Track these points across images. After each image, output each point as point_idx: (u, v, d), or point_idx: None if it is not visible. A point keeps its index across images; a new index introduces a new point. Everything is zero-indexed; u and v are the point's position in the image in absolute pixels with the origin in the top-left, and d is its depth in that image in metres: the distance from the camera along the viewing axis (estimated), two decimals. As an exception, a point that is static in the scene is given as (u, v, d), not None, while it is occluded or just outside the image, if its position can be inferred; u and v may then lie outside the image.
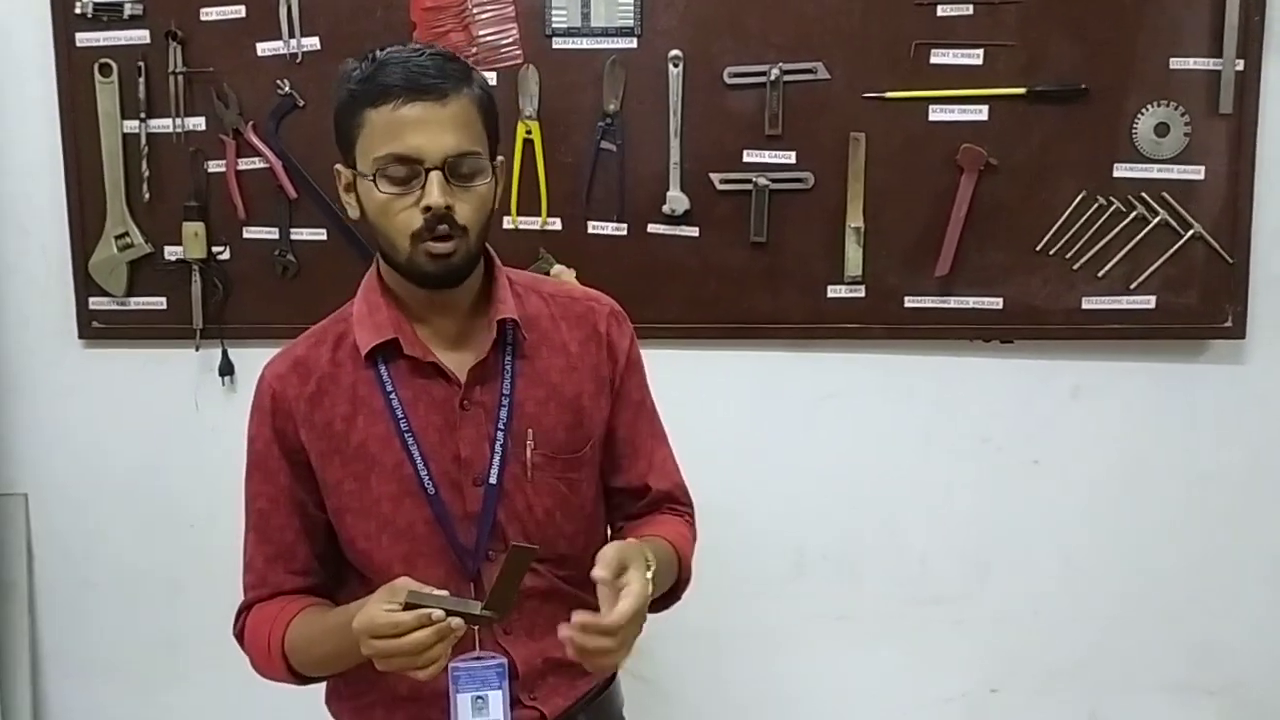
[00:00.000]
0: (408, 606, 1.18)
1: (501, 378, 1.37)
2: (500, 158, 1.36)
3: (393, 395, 1.35)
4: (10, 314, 2.28)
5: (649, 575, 1.24)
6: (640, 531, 1.45)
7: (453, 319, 1.38)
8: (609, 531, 1.54)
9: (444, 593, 1.23)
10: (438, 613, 1.17)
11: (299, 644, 1.36)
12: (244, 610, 1.44)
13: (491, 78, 2.08)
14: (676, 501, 1.53)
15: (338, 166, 1.36)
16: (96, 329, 2.24)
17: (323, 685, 1.48)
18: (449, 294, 1.36)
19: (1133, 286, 2.10)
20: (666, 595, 1.44)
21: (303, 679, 1.40)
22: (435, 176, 1.25)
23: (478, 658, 1.32)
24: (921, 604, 2.25)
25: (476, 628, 1.28)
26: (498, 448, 1.36)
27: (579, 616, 1.17)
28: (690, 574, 1.48)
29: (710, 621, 2.22)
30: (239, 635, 1.44)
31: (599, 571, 1.18)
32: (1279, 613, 2.21)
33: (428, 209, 1.25)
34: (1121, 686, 2.25)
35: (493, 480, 1.36)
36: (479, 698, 1.32)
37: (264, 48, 2.13)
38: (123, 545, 2.33)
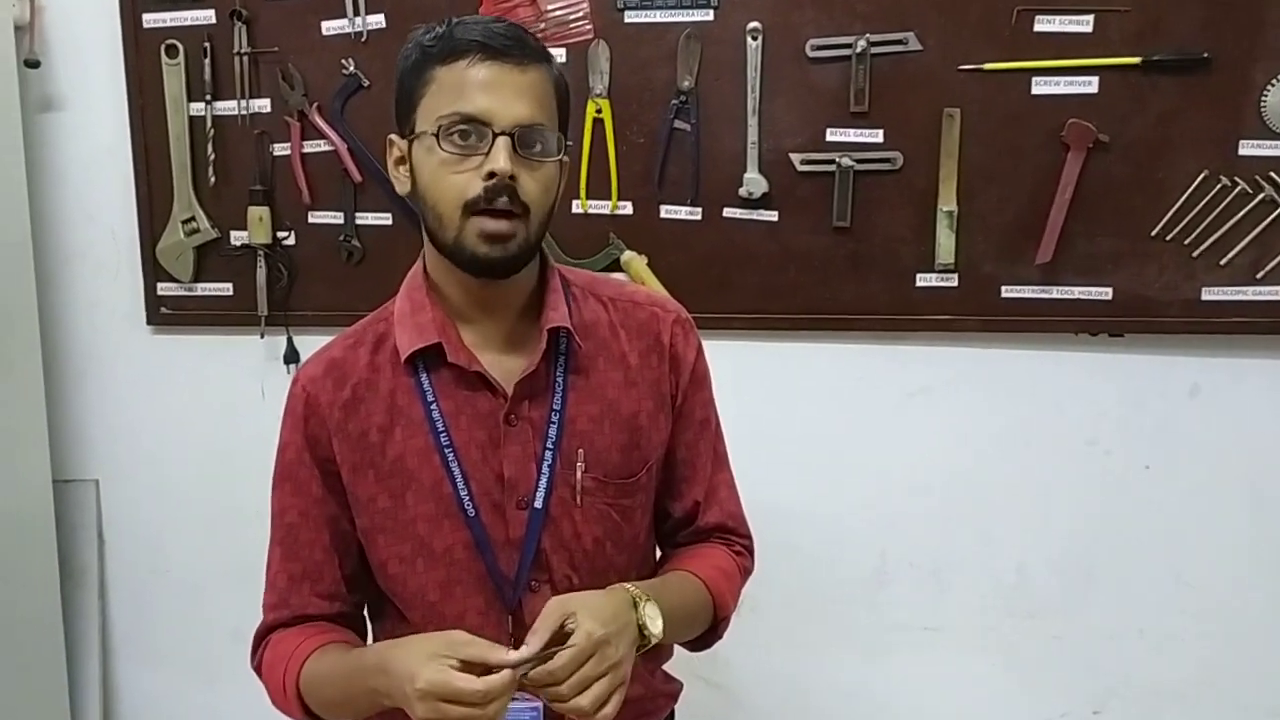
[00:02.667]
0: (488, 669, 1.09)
1: (552, 391, 1.27)
2: (567, 154, 1.26)
3: (433, 406, 1.26)
4: (79, 300, 2.30)
5: (644, 611, 1.16)
6: (673, 565, 1.35)
7: (502, 322, 1.28)
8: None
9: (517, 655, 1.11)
10: (512, 674, 1.08)
11: (314, 682, 1.25)
12: (263, 635, 1.35)
13: (560, 54, 2.02)
14: (730, 533, 1.41)
15: (391, 136, 1.27)
16: (164, 315, 2.26)
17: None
18: (499, 291, 1.26)
19: (1259, 276, 1.94)
20: (704, 635, 1.34)
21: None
22: (503, 142, 1.16)
23: (518, 697, 1.17)
24: (1017, 617, 2.12)
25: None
26: (545, 468, 1.26)
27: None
28: (729, 609, 1.36)
29: (787, 628, 2.18)
30: (257, 667, 1.35)
31: (517, 655, 1.09)
32: None
33: (490, 175, 1.16)
34: (1235, 711, 2.10)
35: (538, 504, 1.26)
36: None
37: (329, 26, 2.10)
38: (190, 533, 2.35)
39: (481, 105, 1.16)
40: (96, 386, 2.32)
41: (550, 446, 1.26)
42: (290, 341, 2.20)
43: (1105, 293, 1.98)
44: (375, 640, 1.37)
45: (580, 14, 2.02)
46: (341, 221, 2.15)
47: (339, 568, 1.32)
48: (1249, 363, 1.99)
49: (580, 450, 1.27)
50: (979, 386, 2.07)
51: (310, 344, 2.15)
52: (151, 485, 2.34)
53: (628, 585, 1.21)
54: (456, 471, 1.25)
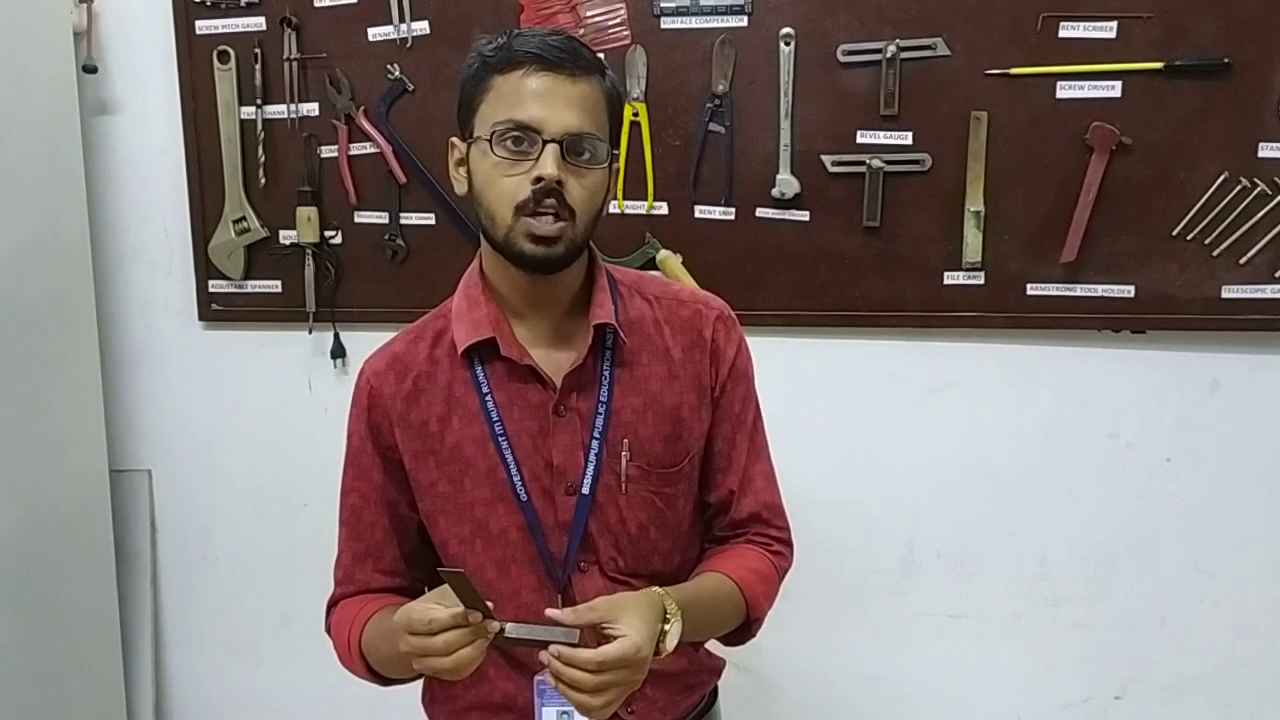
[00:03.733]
0: (501, 642, 1.15)
1: (599, 384, 1.34)
2: (616, 158, 1.32)
3: (488, 397, 1.33)
4: (133, 297, 2.37)
5: (666, 628, 1.21)
6: (706, 567, 1.40)
7: (551, 317, 1.35)
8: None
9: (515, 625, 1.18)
10: (474, 614, 1.13)
11: (372, 643, 1.34)
12: (331, 605, 1.45)
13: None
14: (766, 524, 1.45)
15: (453, 139, 1.33)
16: (215, 311, 2.32)
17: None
18: (548, 288, 1.33)
19: (1277, 275, 1.97)
20: (736, 631, 1.40)
21: (382, 679, 1.37)
22: (551, 149, 1.22)
23: (550, 700, 1.25)
24: (1041, 605, 2.17)
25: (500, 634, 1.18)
26: (592, 457, 1.32)
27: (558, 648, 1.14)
28: (763, 611, 1.41)
29: (818, 616, 2.21)
30: (327, 629, 1.45)
31: (560, 614, 1.16)
32: None
33: (538, 180, 1.22)
34: (1255, 699, 2.14)
35: (585, 490, 1.33)
36: (564, 713, 1.29)
37: (375, 33, 2.15)
38: (240, 521, 2.41)
39: (533, 113, 1.23)
40: (150, 380, 2.39)
41: (597, 436, 1.33)
42: (337, 337, 2.26)
43: (1128, 290, 2.02)
44: None
45: (618, 20, 2.08)
46: (386, 221, 2.20)
47: (398, 547, 1.41)
48: (1267, 358, 2.04)
49: (625, 440, 1.34)
50: (1005, 382, 2.11)
51: (356, 339, 2.24)
52: (202, 475, 2.40)
53: (666, 596, 1.25)
54: (510, 459, 1.32)
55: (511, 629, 1.15)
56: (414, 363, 1.36)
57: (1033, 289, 2.05)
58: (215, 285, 2.30)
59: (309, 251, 2.22)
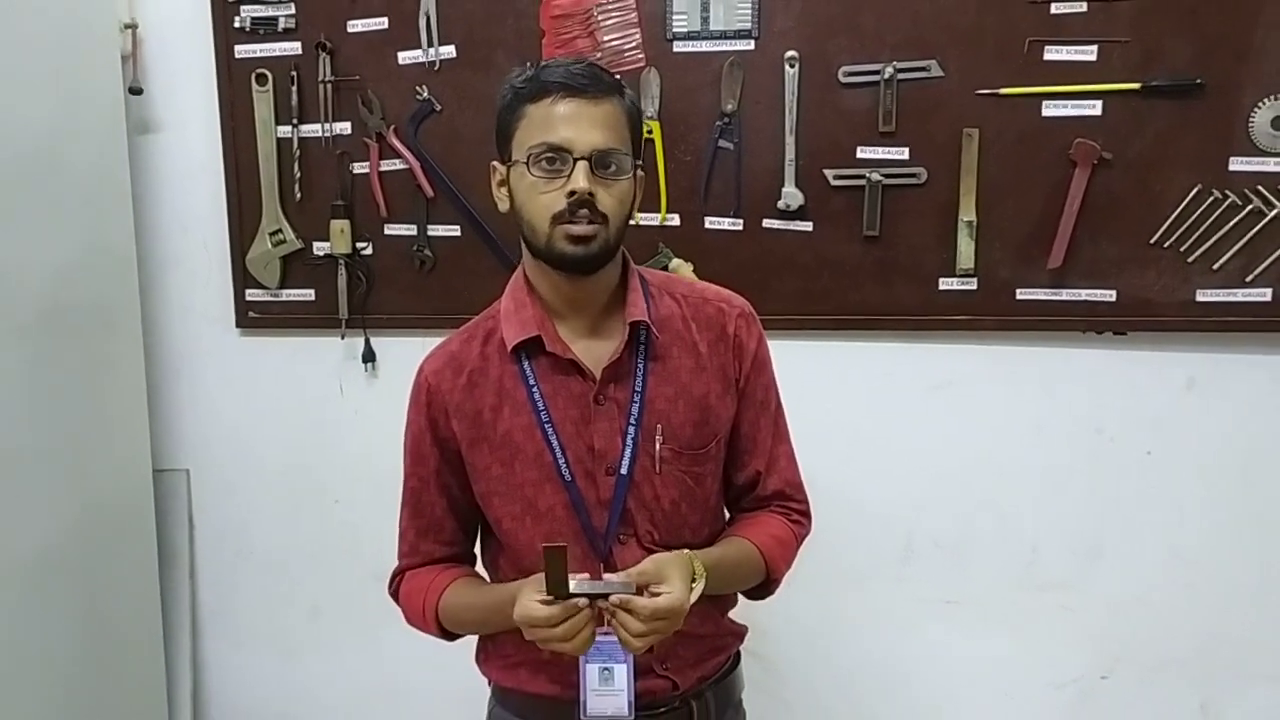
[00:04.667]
0: (556, 595, 1.31)
1: (634, 375, 1.48)
2: (641, 167, 1.47)
3: (535, 389, 1.47)
4: (174, 305, 2.49)
5: (694, 585, 1.36)
6: (731, 532, 1.56)
7: (589, 316, 1.49)
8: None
9: (584, 577, 1.35)
10: (582, 601, 1.31)
11: (452, 610, 1.53)
12: (399, 574, 1.61)
13: (615, 81, 2.20)
14: (788, 499, 1.61)
15: (494, 163, 1.49)
16: (252, 319, 2.43)
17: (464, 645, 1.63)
18: (586, 289, 1.47)
19: (1248, 279, 2.09)
20: (758, 588, 1.58)
21: (451, 636, 1.57)
22: (581, 165, 1.37)
23: (606, 633, 1.38)
24: (1031, 590, 2.28)
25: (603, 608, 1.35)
26: (629, 441, 1.47)
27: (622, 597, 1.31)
28: (782, 572, 1.58)
29: (823, 603, 2.32)
30: (394, 594, 1.61)
31: (617, 576, 1.34)
32: (1399, 607, 2.19)
33: (572, 193, 1.37)
34: (1233, 677, 2.25)
35: (623, 471, 1.47)
36: (605, 669, 1.44)
37: (404, 56, 2.28)
38: (273, 519, 2.52)
39: (563, 135, 1.38)
40: (189, 384, 2.50)
41: (633, 423, 1.47)
42: (368, 342, 2.38)
43: (1110, 295, 2.14)
44: (492, 577, 1.61)
45: (634, 44, 2.21)
46: (415, 233, 2.33)
47: (455, 522, 1.58)
48: (1240, 358, 2.15)
49: (658, 426, 1.48)
50: (996, 380, 2.23)
51: (386, 345, 2.36)
52: (238, 474, 2.51)
53: (697, 559, 1.41)
54: (555, 444, 1.46)
55: (578, 585, 1.31)
56: (468, 360, 1.51)
57: (1021, 294, 2.17)
58: (252, 294, 2.42)
59: (341, 262, 2.34)
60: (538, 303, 1.49)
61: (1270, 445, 2.18)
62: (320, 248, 2.37)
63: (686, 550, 1.42)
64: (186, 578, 2.54)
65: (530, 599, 1.33)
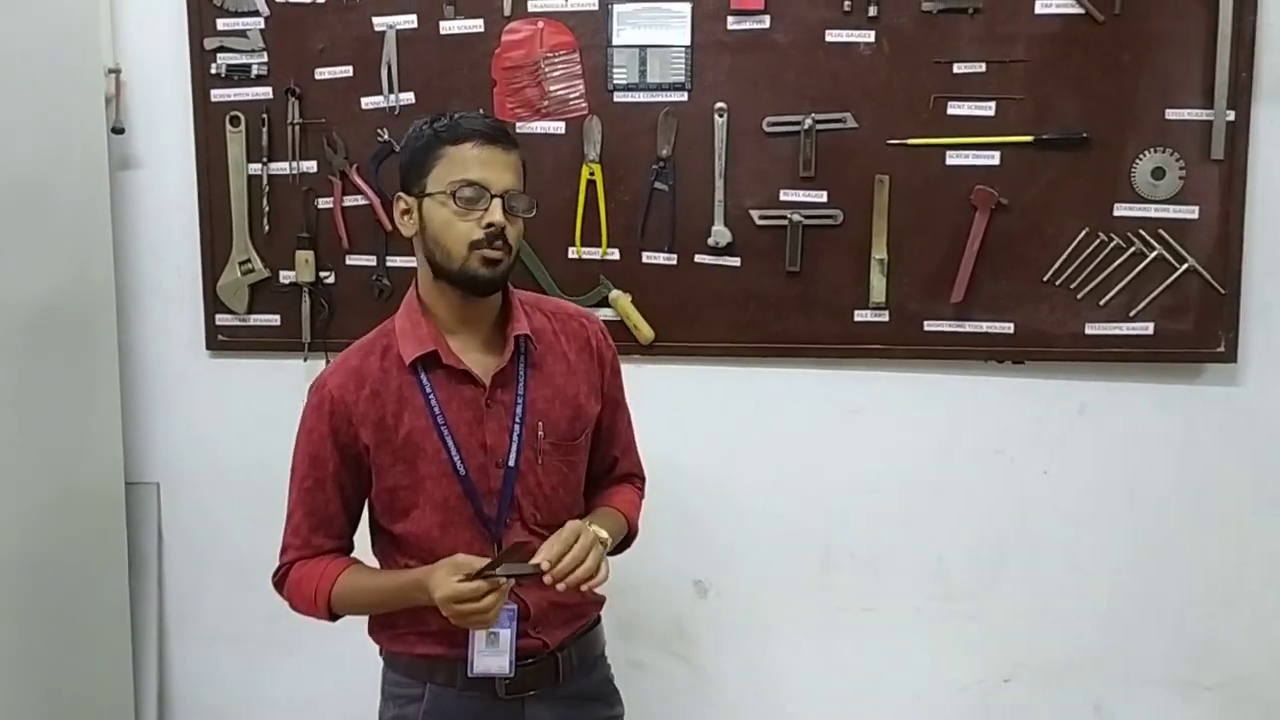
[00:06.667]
0: (474, 575, 1.52)
1: (518, 381, 1.70)
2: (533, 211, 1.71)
3: (431, 396, 1.67)
4: (149, 328, 2.63)
5: (592, 529, 1.62)
6: (600, 502, 1.84)
7: (479, 332, 1.71)
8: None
9: (485, 561, 1.55)
10: (508, 582, 1.53)
11: (345, 594, 1.71)
12: (286, 565, 1.78)
13: (560, 126, 2.39)
14: (635, 475, 1.92)
15: (400, 194, 1.69)
16: (221, 341, 2.58)
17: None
18: (479, 309, 1.69)
19: (1132, 314, 2.28)
20: (620, 546, 1.83)
21: (335, 617, 1.75)
22: (498, 202, 1.61)
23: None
24: (939, 599, 2.44)
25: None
26: (515, 438, 1.69)
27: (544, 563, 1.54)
28: (637, 529, 1.86)
29: (747, 611, 2.48)
30: (278, 583, 1.79)
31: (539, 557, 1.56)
32: (1273, 613, 2.36)
33: (490, 225, 1.59)
34: (1125, 680, 2.41)
35: (511, 463, 1.69)
36: (492, 634, 1.66)
37: (367, 102, 2.45)
38: (238, 530, 2.64)
39: (482, 175, 1.61)
40: (162, 402, 2.63)
41: (518, 421, 1.69)
42: (329, 364, 2.53)
43: (1008, 327, 2.32)
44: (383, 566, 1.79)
45: (577, 94, 2.39)
46: (374, 263, 2.48)
47: (345, 519, 1.77)
48: (1126, 385, 2.33)
49: (540, 423, 1.70)
50: (906, 405, 2.39)
51: (347, 367, 2.52)
52: (206, 488, 2.64)
53: (596, 528, 1.65)
54: (450, 443, 1.67)
55: (505, 569, 1.54)
56: (369, 373, 1.71)
57: (929, 325, 2.34)
58: (222, 318, 2.56)
59: (305, 290, 2.50)
60: (432, 321, 1.70)
61: (1154, 465, 2.36)
62: (286, 276, 2.51)
63: (583, 522, 1.64)
64: (155, 584, 2.66)
65: (450, 581, 1.52)
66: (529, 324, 1.73)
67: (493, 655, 1.66)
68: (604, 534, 1.65)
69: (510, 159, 1.64)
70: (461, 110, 1.70)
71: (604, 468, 1.87)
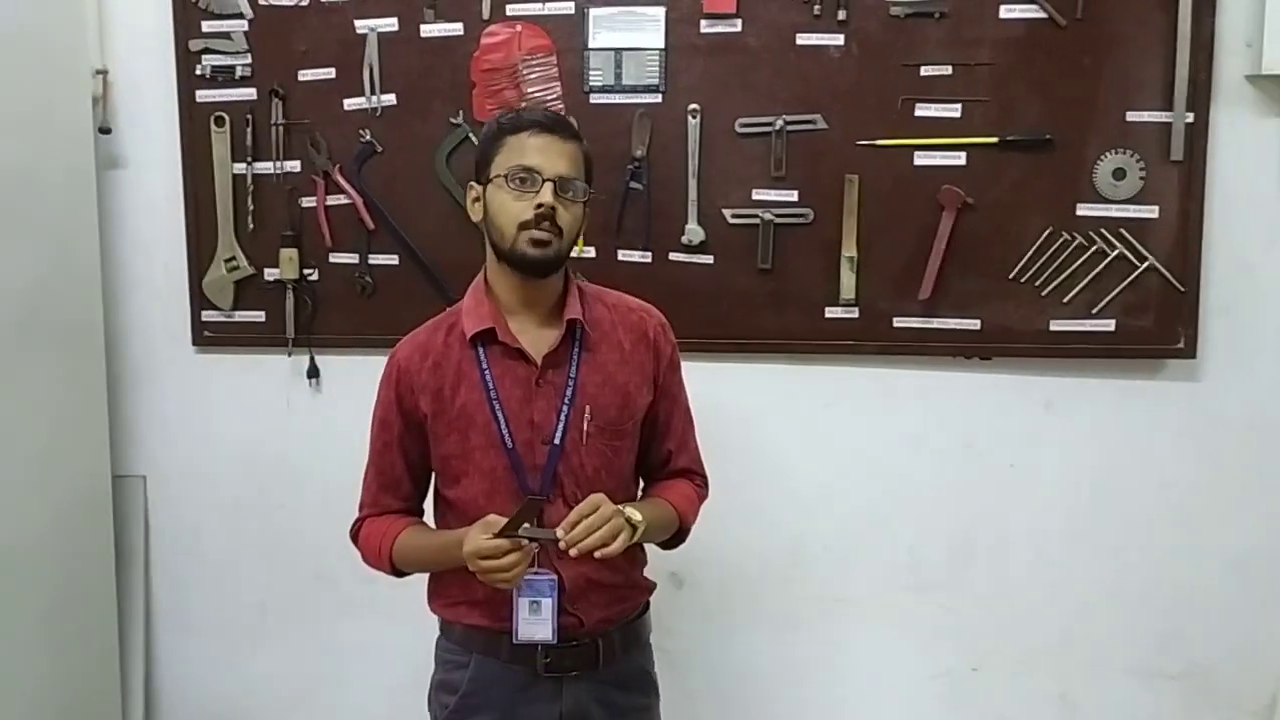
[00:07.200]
0: (506, 534, 1.61)
1: (570, 364, 1.78)
2: (589, 203, 1.80)
3: (486, 371, 1.77)
4: (136, 323, 2.68)
5: (628, 513, 1.70)
6: (650, 494, 1.90)
7: (536, 315, 1.79)
8: (640, 489, 1.94)
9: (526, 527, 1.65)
10: (530, 544, 1.63)
11: (403, 551, 1.82)
12: (360, 521, 1.90)
13: (538, 128, 2.44)
14: (693, 472, 1.95)
15: (471, 183, 1.80)
16: (207, 337, 2.63)
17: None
18: (537, 291, 1.77)
19: (1094, 311, 2.33)
20: (672, 539, 1.88)
21: (400, 573, 1.86)
22: (548, 185, 1.71)
23: (536, 573, 1.73)
24: (909, 590, 2.50)
25: (537, 551, 1.71)
26: (562, 417, 1.77)
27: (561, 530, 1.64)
28: (690, 523, 1.89)
29: (721, 601, 2.53)
30: (353, 536, 1.91)
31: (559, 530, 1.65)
32: (1234, 604, 2.42)
33: (539, 205, 1.69)
34: (1091, 669, 2.47)
35: (556, 441, 1.76)
36: (534, 602, 1.74)
37: (350, 103, 2.50)
38: (224, 522, 2.70)
39: (536, 160, 1.72)
40: (148, 397, 2.68)
41: (567, 402, 1.77)
42: (313, 360, 2.58)
43: (975, 324, 2.37)
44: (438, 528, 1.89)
45: (554, 95, 2.44)
46: (357, 261, 2.53)
47: (411, 482, 1.88)
48: (1090, 381, 2.39)
49: (587, 406, 1.78)
50: (877, 400, 2.45)
51: (330, 362, 2.57)
52: (192, 481, 2.69)
53: (627, 507, 1.72)
54: (500, 417, 1.76)
55: (525, 530, 1.63)
56: (433, 347, 1.82)
57: (898, 321, 2.39)
58: (207, 314, 2.61)
59: (290, 286, 2.55)
60: (494, 301, 1.80)
61: (1118, 458, 2.42)
62: (271, 273, 2.56)
63: (604, 496, 1.70)
64: (141, 575, 2.71)
65: (479, 537, 1.63)
66: (589, 313, 1.82)
67: (536, 623, 1.74)
68: (636, 516, 1.71)
69: (566, 148, 1.74)
70: (534, 107, 1.91)
71: (659, 461, 1.92)
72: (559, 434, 1.76)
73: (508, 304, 1.79)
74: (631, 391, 1.82)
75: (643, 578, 1.93)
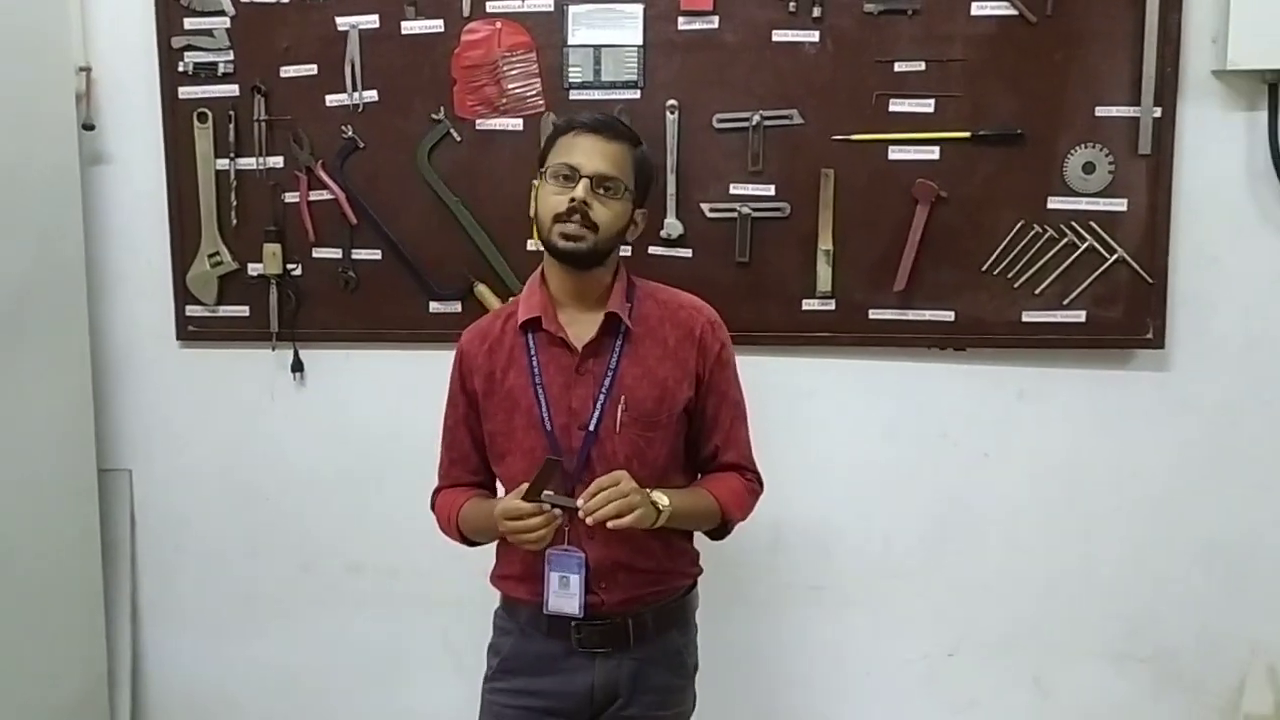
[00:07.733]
0: (530, 498, 1.73)
1: (610, 355, 1.87)
2: (644, 211, 1.93)
3: (533, 357, 1.88)
4: (120, 318, 2.69)
5: (655, 496, 1.79)
6: (699, 484, 1.96)
7: (584, 306, 1.89)
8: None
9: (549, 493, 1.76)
10: (554, 510, 1.74)
11: (466, 520, 1.94)
12: (436, 492, 2.04)
13: (519, 124, 2.47)
14: (743, 469, 1.99)
15: (534, 180, 1.89)
16: (191, 332, 2.65)
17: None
18: (581, 284, 1.87)
19: (1065, 302, 2.37)
20: (717, 529, 1.97)
21: (469, 542, 1.98)
22: (584, 182, 1.81)
23: (565, 550, 1.85)
24: (885, 576, 2.54)
25: (567, 530, 1.82)
26: (599, 406, 1.85)
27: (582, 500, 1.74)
28: (736, 516, 1.96)
29: (701, 588, 2.53)
30: (432, 506, 2.04)
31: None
32: (1202, 589, 2.47)
33: (572, 200, 1.79)
34: (1063, 653, 2.51)
35: (591, 428, 1.85)
36: (564, 578, 1.85)
37: (332, 99, 2.52)
38: (209, 515, 2.72)
39: (576, 159, 1.82)
40: (133, 391, 2.70)
41: (604, 392, 1.86)
42: (296, 354, 2.60)
43: (949, 315, 2.41)
44: None
45: (534, 92, 2.47)
46: (340, 256, 2.56)
47: (478, 456, 1.99)
48: (1062, 371, 2.43)
49: (623, 396, 1.86)
50: (853, 390, 2.48)
51: (313, 357, 2.60)
52: (177, 474, 2.71)
53: (655, 491, 1.80)
54: (543, 401, 1.86)
55: (548, 495, 1.75)
56: (492, 333, 1.95)
57: (874, 313, 2.43)
58: (191, 309, 2.63)
59: (273, 281, 2.57)
60: (546, 292, 1.90)
61: (1089, 446, 2.46)
62: (254, 269, 2.58)
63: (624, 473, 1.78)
64: (128, 568, 2.73)
65: (509, 498, 1.76)
66: (638, 309, 1.90)
67: (565, 597, 1.85)
68: (664, 500, 1.79)
69: (610, 148, 1.84)
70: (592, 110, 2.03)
71: (707, 455, 1.97)
72: (594, 421, 1.85)
73: (558, 295, 1.89)
74: (671, 386, 1.88)
75: (681, 564, 1.99)
